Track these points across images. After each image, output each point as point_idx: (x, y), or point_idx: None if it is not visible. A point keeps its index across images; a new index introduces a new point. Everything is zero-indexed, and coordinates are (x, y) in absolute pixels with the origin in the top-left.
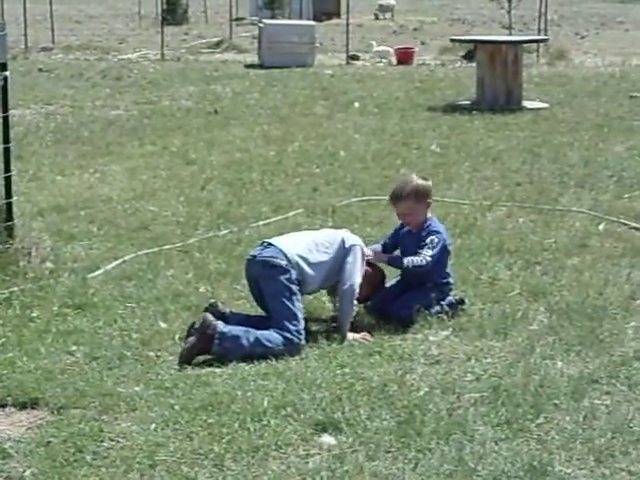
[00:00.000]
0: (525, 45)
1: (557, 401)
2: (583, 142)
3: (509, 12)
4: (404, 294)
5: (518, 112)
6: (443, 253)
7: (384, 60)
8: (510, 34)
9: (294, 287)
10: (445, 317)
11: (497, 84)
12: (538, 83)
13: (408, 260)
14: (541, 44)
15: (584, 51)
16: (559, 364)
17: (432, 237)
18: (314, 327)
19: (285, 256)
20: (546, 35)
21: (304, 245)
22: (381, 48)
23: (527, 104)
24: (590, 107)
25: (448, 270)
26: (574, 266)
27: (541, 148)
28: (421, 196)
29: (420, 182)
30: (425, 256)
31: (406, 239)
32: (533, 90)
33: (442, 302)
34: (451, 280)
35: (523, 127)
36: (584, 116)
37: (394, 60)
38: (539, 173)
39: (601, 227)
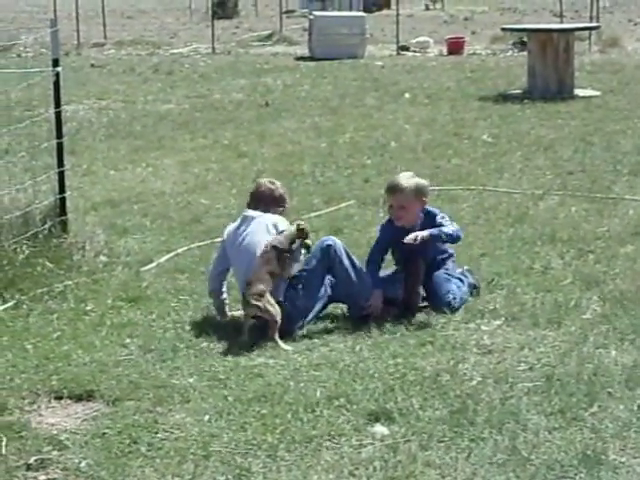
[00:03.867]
0: (577, 33)
1: (611, 390)
2: (636, 130)
3: (560, 0)
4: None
5: (570, 100)
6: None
7: (422, 50)
8: (561, 22)
9: None
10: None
11: (549, 73)
12: (590, 71)
13: (447, 230)
14: (593, 32)
15: (637, 38)
16: (613, 353)
17: (441, 214)
18: (366, 319)
19: None
20: (598, 22)
21: None
22: (422, 39)
23: (579, 92)
24: None
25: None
26: (627, 254)
27: (593, 136)
28: (420, 193)
29: (420, 180)
30: (455, 227)
31: (403, 235)
32: (585, 78)
33: (462, 277)
34: (451, 251)
35: (575, 115)
36: (637, 103)
37: (437, 50)
38: (592, 161)
39: None
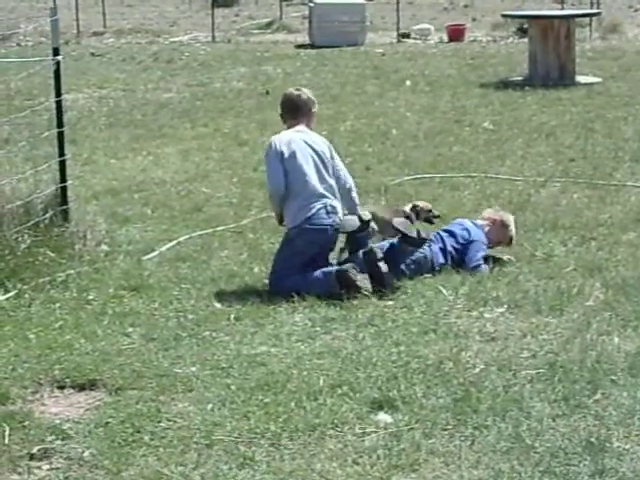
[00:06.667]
0: (578, 19)
1: (614, 377)
2: (637, 116)
3: None
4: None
5: (571, 87)
6: None
7: (423, 38)
8: (562, 8)
9: None
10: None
11: (550, 59)
12: (591, 57)
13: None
14: (594, 18)
15: (638, 24)
16: (616, 340)
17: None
18: (369, 308)
19: None
20: (599, 8)
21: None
22: (422, 26)
23: (580, 79)
24: None
25: None
26: (630, 241)
27: (595, 123)
28: None
29: None
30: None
31: None
32: (586, 65)
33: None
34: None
35: (576, 102)
36: (638, 90)
37: (437, 38)
38: (593, 148)
39: None
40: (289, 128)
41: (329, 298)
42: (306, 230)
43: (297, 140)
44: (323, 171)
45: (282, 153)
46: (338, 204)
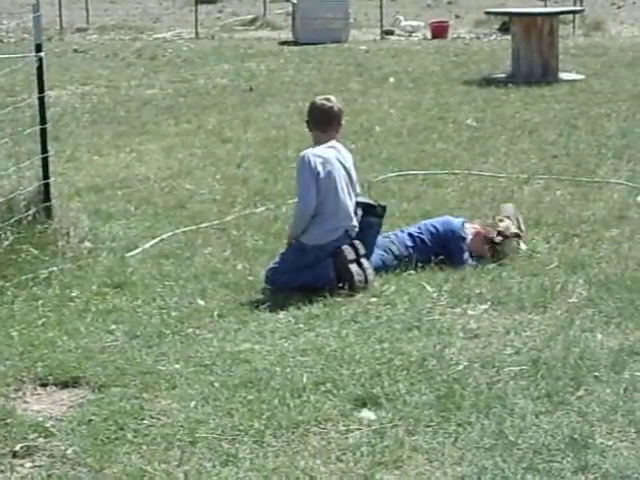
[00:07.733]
0: (561, 16)
1: (597, 373)
2: (620, 113)
3: None
4: None
5: (554, 84)
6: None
7: (413, 34)
8: (545, 5)
9: None
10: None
11: (533, 56)
12: (574, 54)
13: None
14: (577, 15)
15: (620, 21)
16: (599, 336)
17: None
18: (352, 304)
19: None
20: (582, 6)
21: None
22: (414, 22)
23: (563, 76)
24: (627, 78)
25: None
26: (613, 238)
27: (578, 120)
28: None
29: None
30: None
31: None
32: (569, 62)
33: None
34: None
35: (559, 99)
36: (621, 87)
37: (421, 35)
38: (576, 145)
39: (639, 198)
40: (316, 140)
41: (315, 294)
42: (325, 249)
43: (332, 159)
44: (350, 190)
45: (319, 173)
46: (357, 223)
